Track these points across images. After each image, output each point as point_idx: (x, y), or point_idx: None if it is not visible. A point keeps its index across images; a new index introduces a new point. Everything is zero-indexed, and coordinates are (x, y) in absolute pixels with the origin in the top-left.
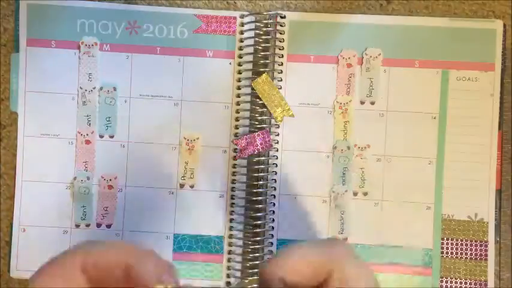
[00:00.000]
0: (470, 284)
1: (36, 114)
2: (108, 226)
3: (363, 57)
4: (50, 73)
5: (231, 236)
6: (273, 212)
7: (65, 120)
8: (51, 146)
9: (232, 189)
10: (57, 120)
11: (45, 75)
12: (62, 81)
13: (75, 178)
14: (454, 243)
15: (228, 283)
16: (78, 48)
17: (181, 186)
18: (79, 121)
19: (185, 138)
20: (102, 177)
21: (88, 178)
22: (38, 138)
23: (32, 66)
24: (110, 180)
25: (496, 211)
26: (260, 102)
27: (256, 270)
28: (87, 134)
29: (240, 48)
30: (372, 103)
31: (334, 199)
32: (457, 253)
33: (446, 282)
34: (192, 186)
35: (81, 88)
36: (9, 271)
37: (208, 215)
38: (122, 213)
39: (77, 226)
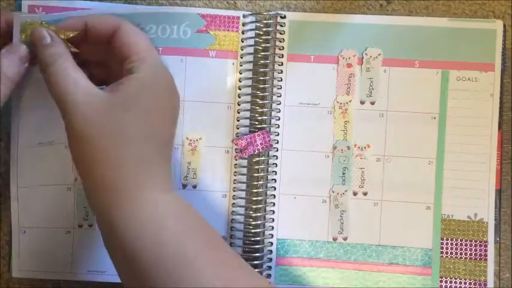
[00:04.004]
0: (469, 284)
1: (28, 126)
2: None
3: (363, 57)
4: (40, 86)
5: (232, 236)
6: (273, 212)
7: (58, 128)
8: (47, 152)
9: (233, 189)
10: (50, 129)
11: (35, 89)
12: None
13: (75, 179)
14: (454, 243)
15: None
16: None
17: (184, 186)
18: None
19: (188, 139)
20: None
21: None
22: (34, 148)
23: (27, 82)
24: None
25: (495, 211)
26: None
27: (256, 269)
28: None
29: (241, 48)
30: (372, 103)
31: (334, 199)
32: (456, 253)
33: (446, 282)
34: (194, 187)
35: None
36: (9, 271)
37: (211, 215)
38: None
39: (80, 226)
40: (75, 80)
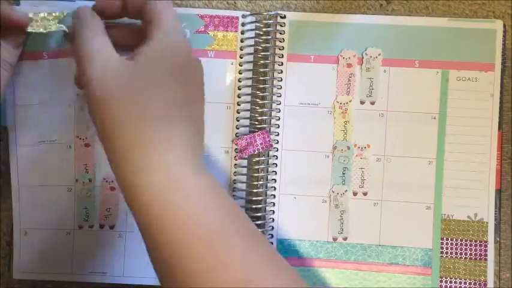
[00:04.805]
0: (469, 284)
1: (29, 125)
2: (111, 227)
3: (363, 57)
4: (43, 85)
5: None
6: (273, 212)
7: (61, 127)
8: (48, 151)
9: (233, 189)
10: (52, 128)
11: (37, 88)
12: (58, 91)
13: (76, 180)
14: (454, 243)
15: None
16: None
17: None
18: (77, 126)
19: None
20: (104, 179)
21: (90, 180)
22: (34, 147)
23: (23, 80)
24: (112, 181)
25: (495, 211)
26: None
27: None
28: (86, 138)
29: (241, 49)
30: (372, 103)
31: (334, 199)
32: (456, 253)
33: (446, 282)
34: None
35: (78, 95)
36: (9, 271)
37: None
38: (124, 214)
39: (80, 227)
40: (97, 48)
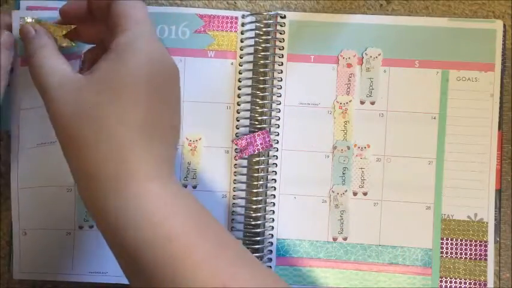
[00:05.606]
0: (469, 284)
1: (30, 127)
2: None
3: (363, 57)
4: None
5: None
6: (273, 212)
7: None
8: (48, 153)
9: (233, 189)
10: (52, 129)
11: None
12: None
13: None
14: (454, 243)
15: None
16: (80, 57)
17: (184, 186)
18: None
19: (187, 139)
20: None
21: None
22: (34, 148)
23: (25, 84)
24: None
25: (495, 211)
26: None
27: None
28: None
29: (241, 49)
30: (372, 103)
31: (334, 199)
32: (456, 253)
33: (446, 282)
34: (194, 187)
35: None
36: (9, 271)
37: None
38: None
39: (80, 228)
40: (52, 67)
